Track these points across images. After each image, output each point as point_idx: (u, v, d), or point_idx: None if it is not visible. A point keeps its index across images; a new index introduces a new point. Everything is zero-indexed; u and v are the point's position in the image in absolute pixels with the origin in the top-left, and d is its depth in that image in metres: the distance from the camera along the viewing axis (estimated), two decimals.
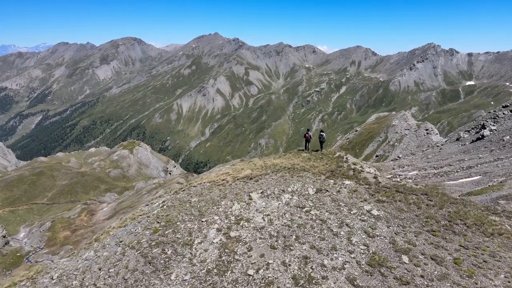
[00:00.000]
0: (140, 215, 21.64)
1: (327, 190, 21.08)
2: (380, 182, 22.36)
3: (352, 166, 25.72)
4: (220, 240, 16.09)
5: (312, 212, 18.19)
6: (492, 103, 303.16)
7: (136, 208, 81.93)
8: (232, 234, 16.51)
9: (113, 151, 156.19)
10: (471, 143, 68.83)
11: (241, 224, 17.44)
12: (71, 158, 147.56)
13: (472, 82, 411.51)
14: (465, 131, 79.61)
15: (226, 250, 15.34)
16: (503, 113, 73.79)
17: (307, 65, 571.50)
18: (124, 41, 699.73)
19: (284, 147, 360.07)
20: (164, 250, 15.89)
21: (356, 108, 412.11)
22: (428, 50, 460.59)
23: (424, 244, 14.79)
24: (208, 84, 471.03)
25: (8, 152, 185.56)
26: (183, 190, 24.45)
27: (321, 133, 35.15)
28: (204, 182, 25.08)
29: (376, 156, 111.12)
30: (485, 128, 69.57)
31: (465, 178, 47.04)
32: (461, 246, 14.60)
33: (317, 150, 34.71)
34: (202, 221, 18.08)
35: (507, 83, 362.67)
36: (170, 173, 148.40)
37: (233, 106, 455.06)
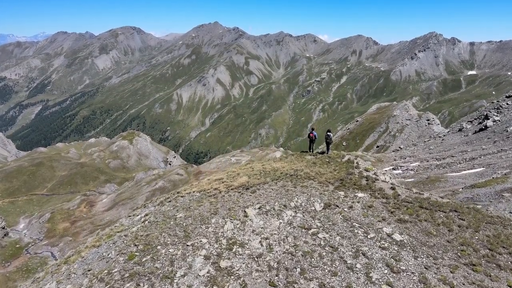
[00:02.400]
0: (118, 232, 18.73)
1: (337, 206, 17.82)
2: (399, 195, 18.99)
3: (365, 174, 22.33)
4: (207, 273, 13.24)
5: (320, 236, 15.13)
6: (493, 92, 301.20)
7: (135, 199, 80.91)
8: (223, 264, 13.61)
9: (113, 141, 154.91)
10: (474, 134, 67.00)
11: (234, 250, 14.42)
12: (70, 149, 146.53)
13: (473, 72, 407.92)
14: (468, 121, 77.77)
15: (214, 287, 12.51)
16: (507, 104, 71.79)
17: (307, 55, 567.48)
18: (123, 31, 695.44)
19: (284, 137, 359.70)
20: (139, 285, 12.95)
21: (357, 98, 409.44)
22: (430, 39, 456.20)
23: (463, 284, 11.88)
24: (208, 74, 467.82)
25: (8, 142, 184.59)
26: (169, 201, 21.33)
27: (328, 133, 31.10)
28: (194, 192, 21.90)
29: (377, 146, 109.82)
30: (488, 119, 67.59)
31: (468, 169, 45.24)
32: (510, 287, 11.68)
33: (323, 152, 30.95)
34: (188, 245, 15.02)
35: (509, 73, 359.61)
36: (170, 164, 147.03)
37: (233, 96, 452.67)
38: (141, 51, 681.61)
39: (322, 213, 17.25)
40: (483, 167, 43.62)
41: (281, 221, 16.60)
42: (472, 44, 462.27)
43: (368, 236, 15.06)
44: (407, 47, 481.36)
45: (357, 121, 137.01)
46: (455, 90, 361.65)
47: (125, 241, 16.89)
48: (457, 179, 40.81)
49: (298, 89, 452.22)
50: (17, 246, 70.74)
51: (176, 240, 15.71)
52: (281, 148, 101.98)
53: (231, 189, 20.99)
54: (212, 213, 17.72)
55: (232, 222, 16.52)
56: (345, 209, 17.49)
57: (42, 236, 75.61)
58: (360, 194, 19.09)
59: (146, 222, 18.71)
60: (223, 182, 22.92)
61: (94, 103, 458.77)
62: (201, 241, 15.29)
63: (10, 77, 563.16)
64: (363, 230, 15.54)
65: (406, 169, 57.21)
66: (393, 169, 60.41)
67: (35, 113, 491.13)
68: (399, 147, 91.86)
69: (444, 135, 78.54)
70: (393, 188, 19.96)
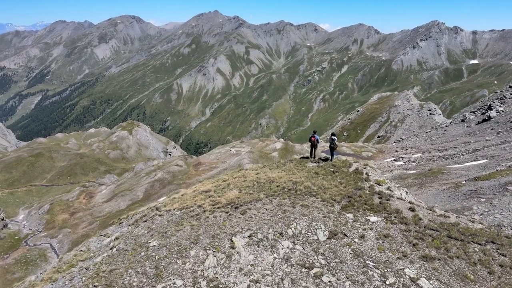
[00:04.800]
0: (81, 260, 16.35)
1: (345, 234, 14.58)
2: (421, 219, 15.66)
3: (377, 189, 18.92)
4: None
5: (324, 279, 12.06)
6: (495, 82, 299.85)
7: (135, 190, 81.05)
8: None
9: (112, 132, 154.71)
10: (477, 124, 66.84)
11: None
12: (70, 139, 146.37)
13: (475, 61, 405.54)
14: (471, 112, 77.53)
15: None
16: (511, 94, 71.36)
17: (308, 44, 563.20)
18: (123, 19, 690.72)
19: (285, 127, 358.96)
20: None
21: (358, 88, 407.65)
22: (432, 28, 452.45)
23: None
24: (208, 63, 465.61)
25: (8, 132, 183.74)
26: (145, 221, 18.52)
27: (332, 137, 27.21)
28: (174, 209, 18.80)
29: (378, 137, 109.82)
30: (491, 109, 67.37)
31: (471, 161, 45.09)
32: None
33: (326, 159, 27.11)
34: None
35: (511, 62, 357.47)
36: (170, 154, 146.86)
37: (234, 86, 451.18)
38: (140, 40, 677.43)
39: (327, 245, 14.18)
40: (487, 159, 43.40)
41: (275, 255, 13.68)
42: (474, 33, 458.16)
43: (387, 282, 11.94)
44: (409, 36, 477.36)
45: (358, 111, 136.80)
46: (456, 80, 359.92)
47: (83, 278, 14.23)
48: (460, 171, 40.58)
49: (298, 78, 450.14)
50: (16, 237, 70.31)
51: (144, 280, 12.83)
52: (281, 139, 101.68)
53: (218, 207, 17.87)
54: (192, 242, 14.69)
55: (215, 256, 13.63)
56: (355, 240, 14.35)
57: (41, 227, 75.00)
58: (373, 218, 15.90)
59: (114, 249, 16.06)
60: (209, 197, 20.02)
61: (94, 93, 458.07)
62: (174, 283, 12.45)
63: (9, 66, 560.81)
64: (379, 272, 12.43)
65: (408, 161, 57.02)
66: (395, 160, 60.28)
67: (35, 103, 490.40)
68: (401, 138, 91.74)
69: (446, 126, 78.24)
70: (412, 209, 16.74)
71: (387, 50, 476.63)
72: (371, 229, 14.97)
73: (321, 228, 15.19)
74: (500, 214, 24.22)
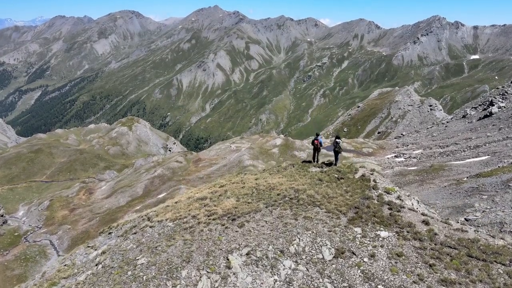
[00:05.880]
0: (64, 278, 15.07)
1: (354, 253, 13.02)
2: (436, 234, 13.94)
3: (386, 198, 17.24)
4: None
5: None
6: (496, 77, 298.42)
7: (134, 186, 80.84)
8: None
9: (112, 128, 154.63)
10: (478, 120, 66.54)
11: None
12: (70, 135, 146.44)
13: (476, 56, 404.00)
14: (472, 107, 77.23)
15: None
16: None
17: (308, 39, 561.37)
18: (122, 14, 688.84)
19: (285, 122, 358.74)
20: None
21: (358, 83, 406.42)
22: (433, 23, 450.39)
23: None
24: (208, 59, 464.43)
25: (7, 128, 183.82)
26: (134, 233, 17.09)
27: (337, 139, 24.98)
28: (167, 220, 17.31)
29: (379, 132, 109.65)
30: (493, 105, 67.01)
31: (473, 158, 44.84)
32: None
33: (330, 164, 24.89)
34: None
35: None
36: (170, 150, 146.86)
37: (234, 81, 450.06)
38: (140, 35, 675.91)
39: (334, 265, 12.66)
40: (488, 155, 43.10)
41: (276, 277, 12.25)
42: (475, 28, 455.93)
43: None
44: (410, 31, 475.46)
45: (359, 106, 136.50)
46: (457, 75, 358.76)
47: None
48: (462, 168, 40.28)
49: (299, 74, 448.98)
50: (16, 234, 70.49)
51: None
52: (282, 135, 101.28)
53: (213, 218, 16.37)
54: (184, 260, 13.23)
55: (209, 278, 12.24)
56: (365, 259, 12.80)
57: (41, 224, 75.25)
58: (383, 233, 14.22)
59: (100, 266, 14.79)
60: (205, 206, 18.64)
61: (93, 88, 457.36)
62: None
63: (9, 62, 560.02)
64: None
65: (409, 157, 56.78)
66: (396, 156, 60.06)
67: (35, 99, 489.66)
68: (401, 134, 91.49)
69: (447, 122, 77.92)
70: (426, 223, 15.02)
71: (387, 45, 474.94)
72: (381, 246, 13.43)
73: (327, 244, 13.67)
74: (502, 211, 23.95)
